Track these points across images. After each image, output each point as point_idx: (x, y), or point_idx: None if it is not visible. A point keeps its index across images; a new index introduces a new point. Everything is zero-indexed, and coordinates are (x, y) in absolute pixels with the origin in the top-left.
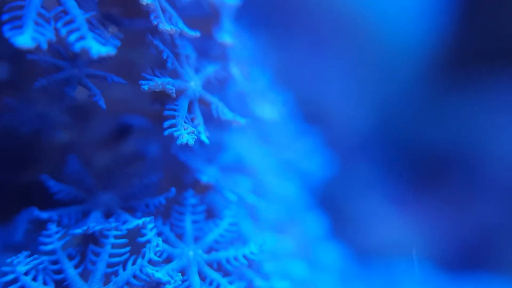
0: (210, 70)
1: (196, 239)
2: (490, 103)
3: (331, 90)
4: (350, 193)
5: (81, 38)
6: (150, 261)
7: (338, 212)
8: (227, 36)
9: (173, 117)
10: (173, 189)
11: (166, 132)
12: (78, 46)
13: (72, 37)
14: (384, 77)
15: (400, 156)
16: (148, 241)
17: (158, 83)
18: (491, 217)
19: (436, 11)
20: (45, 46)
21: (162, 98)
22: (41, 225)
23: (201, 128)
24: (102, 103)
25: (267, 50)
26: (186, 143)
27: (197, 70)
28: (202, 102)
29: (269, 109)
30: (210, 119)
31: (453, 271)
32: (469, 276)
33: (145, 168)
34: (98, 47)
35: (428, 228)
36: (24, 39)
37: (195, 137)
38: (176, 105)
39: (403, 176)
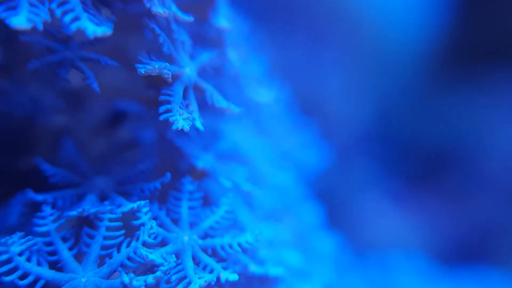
0: (206, 57)
1: (192, 225)
2: (489, 99)
3: (330, 84)
4: (347, 188)
5: (76, 19)
6: (144, 244)
7: (335, 206)
8: (224, 20)
9: (169, 102)
10: (168, 174)
11: (162, 117)
12: (73, 27)
13: (67, 18)
14: (383, 73)
15: (398, 151)
16: (142, 224)
17: (155, 67)
18: (488, 213)
19: (435, 7)
20: (40, 26)
21: (156, 84)
22: (36, 208)
23: (196, 114)
24: (95, 86)
25: (264, 41)
26: (182, 129)
27: (192, 57)
28: (197, 89)
29: (266, 93)
30: (207, 107)
31: (449, 265)
32: (465, 268)
33: (140, 154)
34: (94, 28)
35: (425, 224)
36: (20, 20)
37: (190, 123)
38: (172, 90)
39: (401, 171)
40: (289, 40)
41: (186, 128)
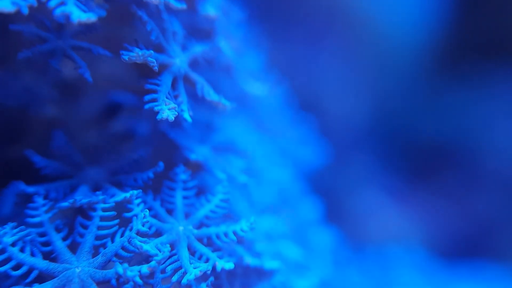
0: (198, 49)
1: (187, 215)
2: (487, 96)
3: (328, 81)
4: (346, 183)
5: (62, 3)
6: (138, 232)
7: (334, 201)
8: (211, 8)
9: (155, 91)
10: (161, 163)
11: (147, 106)
12: (58, 11)
13: (53, 2)
14: (381, 69)
15: (397, 148)
16: (135, 216)
17: (138, 54)
18: (487, 208)
19: (433, 4)
20: (25, 11)
21: (148, 74)
22: (30, 198)
23: (185, 106)
24: (88, 75)
25: (262, 35)
26: (176, 121)
27: (184, 48)
28: (188, 80)
29: (260, 86)
30: (202, 99)
31: (448, 260)
32: (463, 263)
33: (135, 145)
34: (79, 13)
35: (424, 218)
36: (4, 3)
37: (176, 113)
38: (159, 80)
39: (400, 168)
40: (288, 35)
41: (171, 118)
